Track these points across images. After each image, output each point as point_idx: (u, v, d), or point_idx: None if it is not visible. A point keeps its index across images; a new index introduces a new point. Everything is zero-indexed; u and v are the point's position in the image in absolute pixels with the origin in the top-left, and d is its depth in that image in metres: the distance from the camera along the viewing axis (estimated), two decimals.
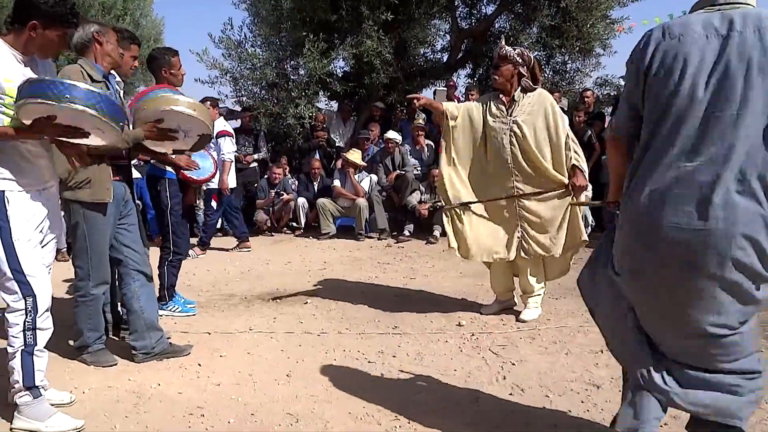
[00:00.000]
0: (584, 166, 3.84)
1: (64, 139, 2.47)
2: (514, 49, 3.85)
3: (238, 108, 9.11)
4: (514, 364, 3.19)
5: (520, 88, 3.86)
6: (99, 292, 3.18)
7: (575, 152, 3.82)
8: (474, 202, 3.93)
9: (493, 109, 3.90)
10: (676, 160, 1.81)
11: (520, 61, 3.82)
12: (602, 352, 3.33)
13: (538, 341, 3.56)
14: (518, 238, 3.89)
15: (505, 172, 3.86)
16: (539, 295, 4.06)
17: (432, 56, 9.60)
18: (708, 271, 1.76)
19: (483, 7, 9.33)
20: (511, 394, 2.84)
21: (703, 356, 1.89)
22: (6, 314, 2.45)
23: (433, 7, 8.71)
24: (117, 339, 3.59)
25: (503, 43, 3.95)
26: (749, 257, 1.73)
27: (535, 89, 3.88)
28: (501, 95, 3.91)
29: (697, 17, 1.85)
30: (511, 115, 3.83)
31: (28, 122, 2.31)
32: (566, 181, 3.82)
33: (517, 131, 3.79)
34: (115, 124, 2.44)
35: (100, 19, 3.82)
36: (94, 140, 2.54)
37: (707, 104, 1.77)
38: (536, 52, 9.10)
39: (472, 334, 3.72)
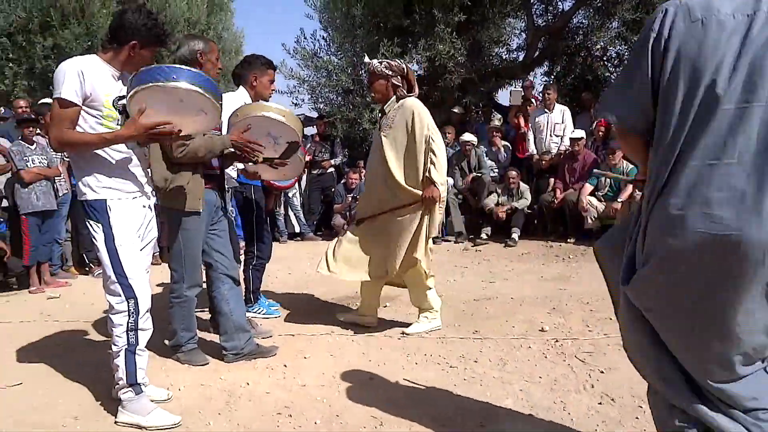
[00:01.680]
0: (439, 177, 3.64)
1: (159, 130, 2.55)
2: (381, 62, 3.76)
3: (314, 115, 9.34)
4: (602, 372, 3.08)
5: (394, 98, 3.77)
6: (192, 294, 3.34)
7: (432, 163, 3.66)
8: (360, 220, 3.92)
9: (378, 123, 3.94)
10: (701, 161, 1.54)
11: (390, 73, 3.72)
12: None
13: None
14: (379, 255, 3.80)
15: (376, 186, 3.84)
16: (429, 309, 3.92)
17: (507, 56, 9.52)
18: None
19: (560, 3, 9.14)
20: (600, 403, 2.74)
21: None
22: (110, 315, 2.61)
23: (507, 6, 8.59)
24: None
25: (367, 59, 3.90)
26: None
27: (409, 97, 3.75)
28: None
29: None
30: (380, 129, 3.81)
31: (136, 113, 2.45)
32: (420, 194, 3.68)
33: (380, 144, 3.76)
34: (216, 102, 2.56)
35: (203, 35, 3.97)
36: (196, 124, 2.65)
37: (735, 97, 1.50)
38: (617, 48, 8.79)
39: (557, 340, 3.62)
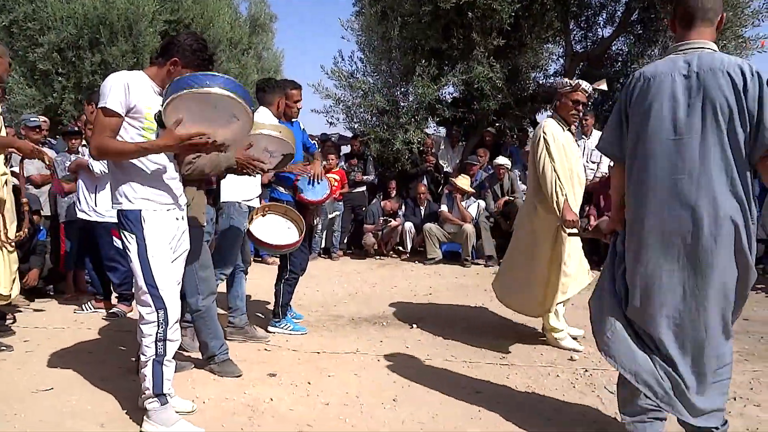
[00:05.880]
0: None
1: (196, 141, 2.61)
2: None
3: (349, 134, 9.43)
4: None
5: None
6: (209, 303, 3.36)
7: None
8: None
9: None
10: (658, 176, 2.27)
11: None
12: (735, 399, 3.03)
13: None
14: None
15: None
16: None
17: (544, 81, 9.41)
18: None
19: (599, 30, 9.05)
20: None
21: None
22: (140, 325, 2.65)
23: (546, 31, 8.58)
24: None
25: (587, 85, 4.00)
26: None
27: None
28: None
29: (664, 62, 2.33)
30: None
31: (172, 122, 2.50)
32: None
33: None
34: (249, 107, 2.58)
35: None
36: (228, 132, 2.65)
37: (672, 131, 2.25)
38: None
39: (586, 370, 3.53)
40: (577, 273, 3.86)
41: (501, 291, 4.18)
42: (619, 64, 8.83)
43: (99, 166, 4.70)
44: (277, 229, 4.04)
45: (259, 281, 5.96)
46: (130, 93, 2.55)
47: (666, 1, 7.55)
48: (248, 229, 3.97)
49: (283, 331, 4.28)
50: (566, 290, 3.82)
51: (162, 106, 2.53)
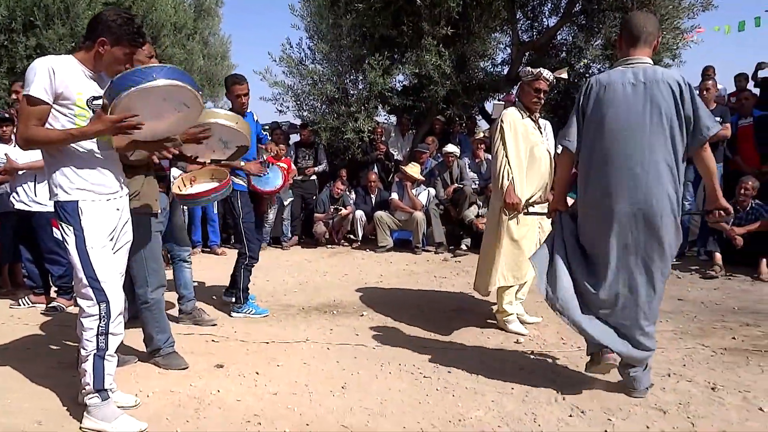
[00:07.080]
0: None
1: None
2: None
3: (298, 122, 9.33)
4: (574, 385, 3.09)
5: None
6: (158, 296, 3.31)
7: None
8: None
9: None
10: (616, 165, 2.78)
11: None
12: (669, 376, 3.18)
13: None
14: None
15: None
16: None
17: (492, 69, 9.52)
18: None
19: (545, 20, 9.19)
20: (570, 415, 2.75)
21: None
22: (81, 319, 2.57)
23: (493, 20, 8.66)
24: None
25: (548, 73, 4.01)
26: None
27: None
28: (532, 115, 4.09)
29: (615, 72, 2.84)
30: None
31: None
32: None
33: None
34: (197, 92, 2.51)
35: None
36: (181, 121, 2.61)
37: (626, 129, 2.75)
38: (600, 65, 8.91)
39: (532, 353, 3.63)
40: (517, 262, 3.93)
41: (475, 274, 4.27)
42: (563, 54, 9.03)
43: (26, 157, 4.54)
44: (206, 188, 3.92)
45: (209, 272, 5.88)
46: (56, 78, 2.43)
47: None
48: (177, 195, 3.84)
49: (248, 316, 4.40)
50: (508, 276, 3.93)
51: (108, 108, 2.39)
